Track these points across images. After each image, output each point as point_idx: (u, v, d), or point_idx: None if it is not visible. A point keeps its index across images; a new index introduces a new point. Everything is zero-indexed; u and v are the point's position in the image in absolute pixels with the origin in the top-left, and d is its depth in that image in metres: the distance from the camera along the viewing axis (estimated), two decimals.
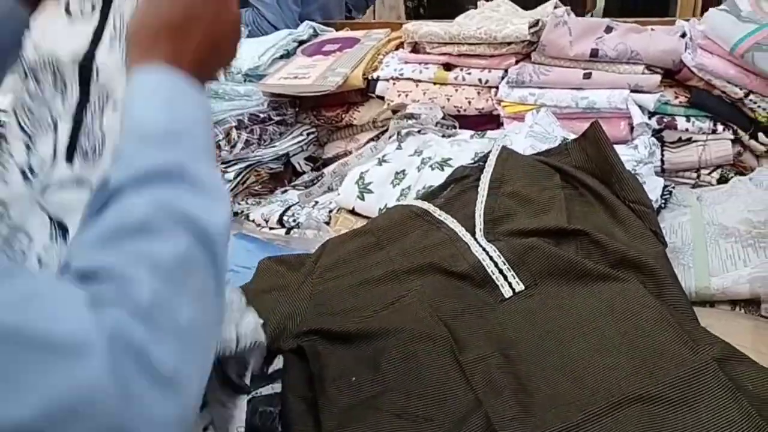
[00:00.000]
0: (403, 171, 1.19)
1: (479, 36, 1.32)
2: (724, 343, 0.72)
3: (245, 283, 0.92)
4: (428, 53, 1.42)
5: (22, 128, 0.69)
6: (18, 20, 0.65)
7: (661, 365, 0.68)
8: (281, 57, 1.60)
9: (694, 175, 1.20)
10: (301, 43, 1.67)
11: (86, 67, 0.67)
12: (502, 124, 1.32)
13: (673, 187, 1.14)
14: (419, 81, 1.41)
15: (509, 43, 1.31)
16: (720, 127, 1.17)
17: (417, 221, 0.96)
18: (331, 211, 1.23)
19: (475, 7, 1.52)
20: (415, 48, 1.46)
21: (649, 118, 1.19)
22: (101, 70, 0.67)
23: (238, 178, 1.36)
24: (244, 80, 1.53)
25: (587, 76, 1.23)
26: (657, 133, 1.20)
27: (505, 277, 0.83)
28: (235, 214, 1.30)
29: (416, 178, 1.16)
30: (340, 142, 1.51)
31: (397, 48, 1.53)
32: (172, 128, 0.51)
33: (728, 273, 0.89)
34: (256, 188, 1.43)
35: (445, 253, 0.88)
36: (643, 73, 1.20)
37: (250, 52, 1.56)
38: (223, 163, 1.34)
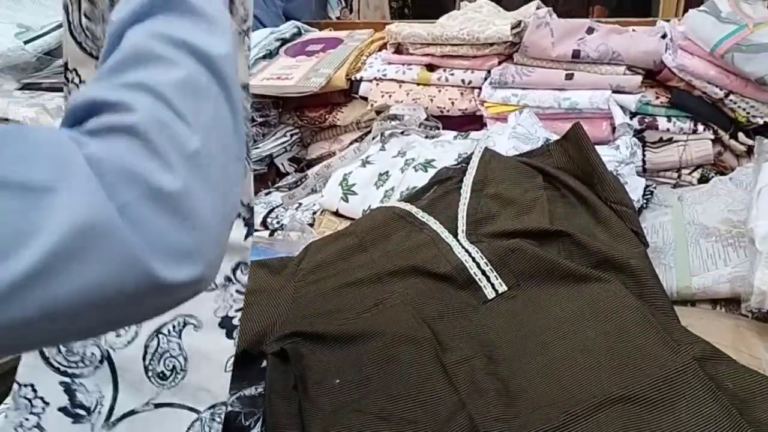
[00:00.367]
0: (387, 172, 1.19)
1: (462, 37, 1.32)
2: (705, 342, 0.72)
3: None
4: (411, 54, 1.42)
5: None
6: None
7: (643, 366, 0.68)
8: (264, 57, 1.59)
9: (675, 175, 1.20)
10: (283, 41, 1.66)
11: None
12: (485, 124, 1.32)
13: (655, 187, 1.15)
14: (402, 82, 1.41)
15: (492, 44, 1.31)
16: (700, 127, 1.18)
17: (400, 223, 0.95)
18: (314, 213, 1.22)
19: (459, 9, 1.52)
20: (399, 49, 1.46)
21: (631, 118, 1.19)
22: None
23: None
24: None
25: (569, 76, 1.23)
26: (638, 134, 1.20)
27: (488, 279, 0.83)
28: None
29: (400, 179, 1.16)
30: (324, 143, 1.51)
31: (380, 49, 1.53)
32: None
33: (709, 272, 0.90)
34: None
35: (427, 255, 0.88)
36: (624, 74, 1.20)
37: None
38: None
